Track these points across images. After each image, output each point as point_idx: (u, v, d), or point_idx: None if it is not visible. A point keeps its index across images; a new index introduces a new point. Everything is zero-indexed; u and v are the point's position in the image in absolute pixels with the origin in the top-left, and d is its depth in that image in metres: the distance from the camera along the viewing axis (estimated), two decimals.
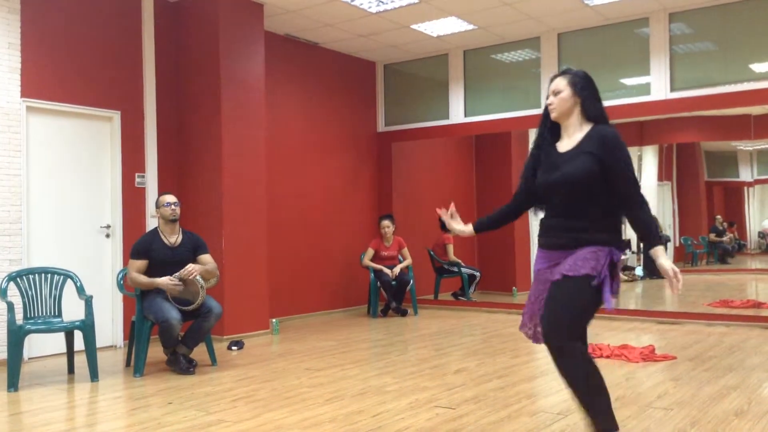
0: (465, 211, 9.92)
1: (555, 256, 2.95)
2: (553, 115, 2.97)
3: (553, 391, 4.31)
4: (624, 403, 3.95)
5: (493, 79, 8.65)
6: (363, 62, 9.11)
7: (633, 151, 10.80)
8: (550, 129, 3.04)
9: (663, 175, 11.01)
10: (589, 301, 2.81)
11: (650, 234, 2.80)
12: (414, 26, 7.76)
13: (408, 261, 8.26)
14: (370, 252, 8.22)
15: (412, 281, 8.18)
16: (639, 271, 10.46)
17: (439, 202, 11.22)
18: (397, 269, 8.08)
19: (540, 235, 3.05)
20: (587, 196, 2.85)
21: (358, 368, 5.09)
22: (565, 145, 2.97)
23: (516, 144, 9.86)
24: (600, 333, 6.52)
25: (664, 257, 2.76)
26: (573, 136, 2.94)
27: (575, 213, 2.88)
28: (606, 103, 3.01)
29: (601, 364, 5.02)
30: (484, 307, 8.61)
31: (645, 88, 7.39)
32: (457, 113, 8.74)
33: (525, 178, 3.09)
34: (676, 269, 2.69)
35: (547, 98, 2.99)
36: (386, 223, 8.24)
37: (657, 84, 7.29)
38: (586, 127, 2.92)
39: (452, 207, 3.28)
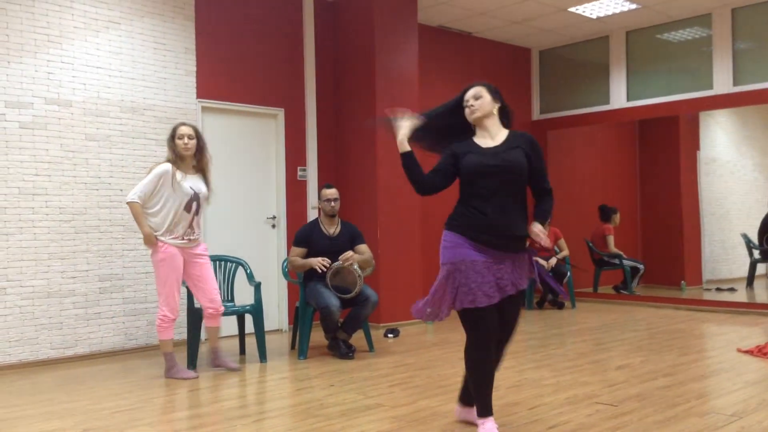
0: (627, 203, 9.59)
1: (496, 255, 3.13)
2: (475, 116, 3.21)
3: (727, 391, 4.01)
4: None
5: (658, 61, 8.15)
6: (517, 49, 8.94)
7: None
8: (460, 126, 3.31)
9: None
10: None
11: (549, 213, 3.36)
12: (572, 9, 7.48)
13: (565, 252, 8.02)
14: None
15: (569, 273, 7.94)
16: None
17: (598, 192, 10.70)
18: (553, 261, 7.87)
19: (473, 228, 3.16)
20: (520, 187, 3.18)
21: (514, 360, 5.02)
22: (487, 142, 3.22)
23: (685, 128, 9.21)
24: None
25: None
26: (495, 136, 3.22)
27: (512, 208, 3.14)
28: None
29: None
30: (649, 302, 8.17)
31: None
32: (618, 98, 8.34)
33: (446, 162, 3.27)
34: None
35: (467, 102, 3.23)
36: None
37: None
38: (505, 130, 3.27)
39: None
